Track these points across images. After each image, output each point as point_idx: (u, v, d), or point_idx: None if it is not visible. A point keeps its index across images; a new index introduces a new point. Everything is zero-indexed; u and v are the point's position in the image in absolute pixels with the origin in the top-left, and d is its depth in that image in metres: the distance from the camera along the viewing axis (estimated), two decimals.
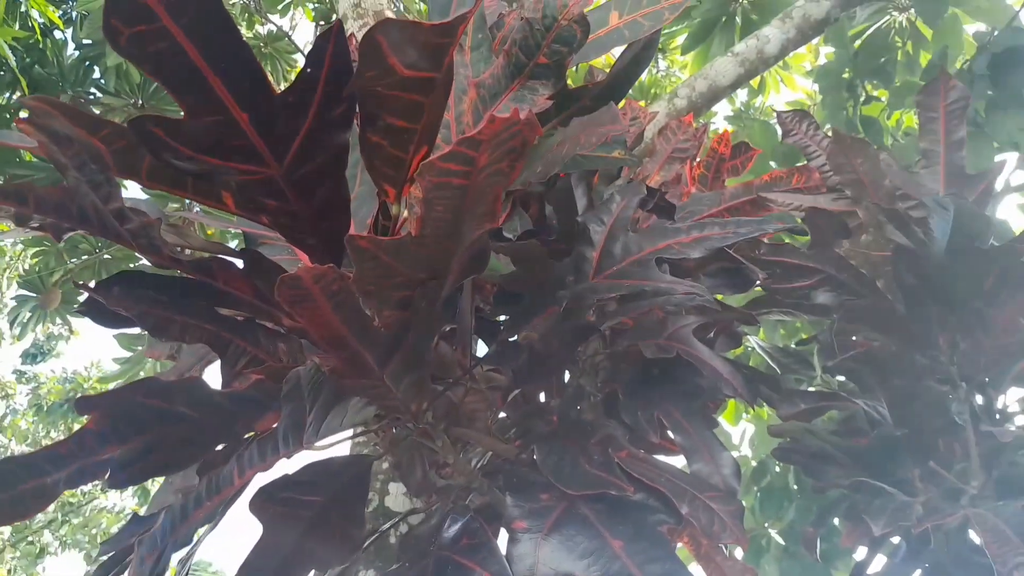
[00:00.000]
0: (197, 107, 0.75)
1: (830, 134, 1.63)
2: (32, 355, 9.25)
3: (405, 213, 1.00)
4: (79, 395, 0.89)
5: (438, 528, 0.98)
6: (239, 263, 0.99)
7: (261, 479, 0.99)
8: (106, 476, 0.90)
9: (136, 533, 0.96)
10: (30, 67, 3.88)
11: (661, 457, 1.50)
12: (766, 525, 3.31)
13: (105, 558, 0.96)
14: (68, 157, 0.77)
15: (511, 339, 1.02)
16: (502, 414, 1.44)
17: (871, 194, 1.37)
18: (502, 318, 1.51)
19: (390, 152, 0.85)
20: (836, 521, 2.33)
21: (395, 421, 1.03)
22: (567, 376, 1.55)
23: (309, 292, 0.73)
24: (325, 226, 0.91)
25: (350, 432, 1.23)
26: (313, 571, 1.02)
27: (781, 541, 3.02)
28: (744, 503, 3.80)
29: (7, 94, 3.88)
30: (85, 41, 4.51)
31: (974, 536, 1.37)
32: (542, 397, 1.56)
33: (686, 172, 1.97)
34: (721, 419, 4.17)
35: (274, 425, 1.00)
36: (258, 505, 1.01)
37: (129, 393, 0.83)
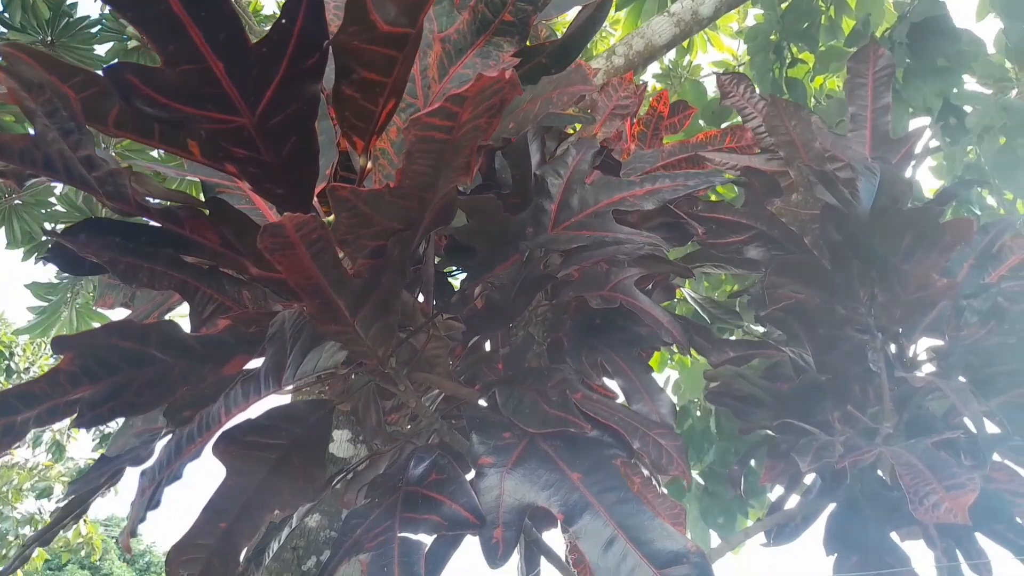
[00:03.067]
0: (176, 55, 0.76)
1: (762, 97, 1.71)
2: None
3: (370, 165, 1.02)
4: None
5: (404, 466, 1.03)
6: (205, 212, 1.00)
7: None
8: (74, 416, 0.91)
9: (105, 473, 0.98)
10: None
11: None
12: (694, 470, 3.49)
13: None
14: (39, 104, 0.77)
15: (469, 289, 1.07)
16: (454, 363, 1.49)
17: (802, 156, 1.45)
18: (450, 269, 1.55)
19: (361, 104, 0.87)
20: (753, 463, 2.49)
21: (359, 366, 1.07)
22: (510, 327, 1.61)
23: (290, 240, 0.76)
24: (294, 176, 0.93)
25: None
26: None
27: (701, 481, 3.19)
28: None
29: None
30: None
31: (882, 473, 1.51)
32: (487, 346, 1.62)
33: (626, 129, 2.03)
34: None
35: (241, 368, 1.02)
36: (222, 449, 1.04)
37: (104, 334, 0.85)
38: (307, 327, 0.86)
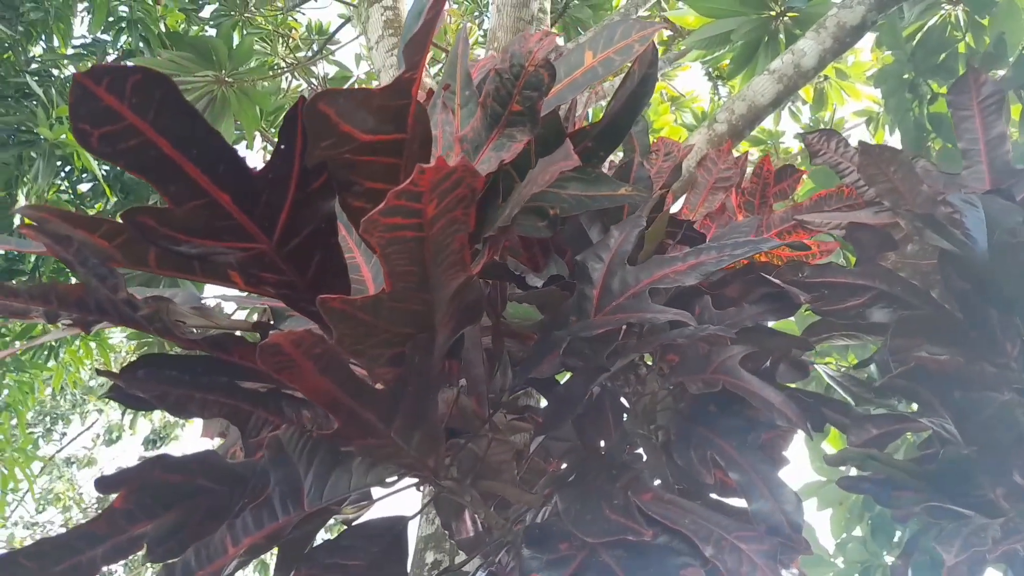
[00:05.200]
0: (178, 194, 0.79)
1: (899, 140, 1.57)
2: (152, 441, 9.83)
3: None
4: None
5: None
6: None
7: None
8: (143, 551, 0.93)
9: None
10: (120, 174, 4.18)
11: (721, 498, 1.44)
12: (885, 554, 3.10)
13: None
14: (71, 255, 0.82)
15: (520, 388, 1.01)
16: (564, 465, 1.42)
17: (908, 201, 1.30)
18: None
19: None
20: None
21: (420, 478, 1.03)
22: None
23: (291, 358, 0.75)
24: (324, 294, 0.93)
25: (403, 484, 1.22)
26: None
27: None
28: (858, 531, 3.52)
29: (98, 205, 4.20)
30: None
31: None
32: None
33: (731, 201, 1.93)
34: (826, 444, 3.95)
35: None
36: (304, 573, 1.03)
37: (147, 470, 0.87)
38: (321, 445, 0.84)
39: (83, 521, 0.98)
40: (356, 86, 6.39)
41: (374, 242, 0.67)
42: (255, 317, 1.53)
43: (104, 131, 0.71)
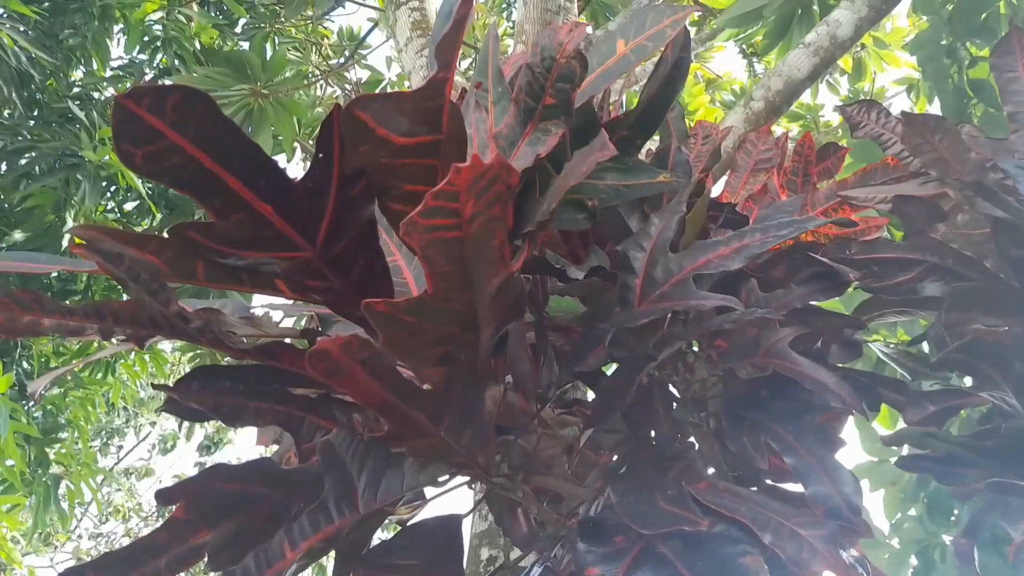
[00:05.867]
0: (222, 208, 0.80)
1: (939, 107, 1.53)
2: (206, 447, 10.04)
3: None
4: None
5: None
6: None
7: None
8: (205, 559, 0.95)
9: None
10: (165, 191, 4.26)
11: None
12: (942, 535, 3.03)
13: None
14: (123, 271, 0.84)
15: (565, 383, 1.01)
16: (614, 457, 1.41)
17: (956, 170, 1.26)
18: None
19: None
20: None
21: (471, 476, 1.04)
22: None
23: (340, 363, 0.76)
24: (369, 298, 0.94)
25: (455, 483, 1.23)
26: None
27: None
28: (913, 511, 3.43)
29: (144, 222, 4.29)
30: None
31: None
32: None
33: (773, 182, 1.90)
34: (876, 424, 3.87)
35: None
36: (362, 574, 1.04)
37: (206, 480, 0.89)
38: (373, 447, 0.85)
39: (144, 530, 1.00)
40: (388, 88, 6.44)
41: (415, 244, 0.68)
42: (303, 323, 1.55)
43: (147, 151, 0.72)
